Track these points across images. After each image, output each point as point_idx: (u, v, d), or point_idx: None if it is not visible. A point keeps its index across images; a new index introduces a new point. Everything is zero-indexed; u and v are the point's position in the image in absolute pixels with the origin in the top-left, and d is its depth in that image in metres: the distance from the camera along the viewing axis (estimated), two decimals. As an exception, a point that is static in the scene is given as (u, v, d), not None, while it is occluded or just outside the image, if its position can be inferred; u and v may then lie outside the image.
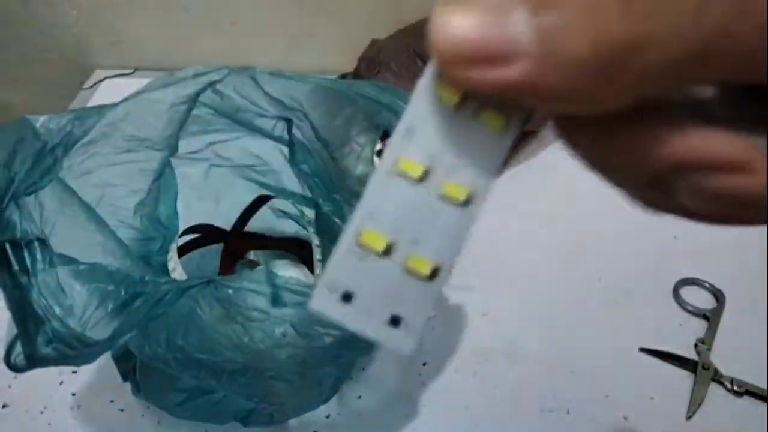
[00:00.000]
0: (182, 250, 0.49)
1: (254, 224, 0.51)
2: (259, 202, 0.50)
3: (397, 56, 0.59)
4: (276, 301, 0.34)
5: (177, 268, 0.44)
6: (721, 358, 0.44)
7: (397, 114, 0.38)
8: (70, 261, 0.34)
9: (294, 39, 0.73)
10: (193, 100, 0.38)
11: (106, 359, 0.40)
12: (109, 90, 0.70)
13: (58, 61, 0.74)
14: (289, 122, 0.42)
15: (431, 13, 0.13)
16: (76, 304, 0.33)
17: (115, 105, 0.37)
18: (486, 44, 0.12)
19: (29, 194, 0.31)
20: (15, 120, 0.34)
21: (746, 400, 0.43)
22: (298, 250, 0.51)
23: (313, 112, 0.41)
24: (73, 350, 0.29)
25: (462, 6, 0.12)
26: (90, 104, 0.68)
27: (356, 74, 0.62)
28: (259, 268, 0.48)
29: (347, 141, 0.42)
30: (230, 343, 0.34)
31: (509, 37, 0.11)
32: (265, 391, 0.37)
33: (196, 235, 0.50)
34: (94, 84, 0.72)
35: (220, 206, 0.50)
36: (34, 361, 0.30)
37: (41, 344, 0.29)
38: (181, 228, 0.47)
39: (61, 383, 0.44)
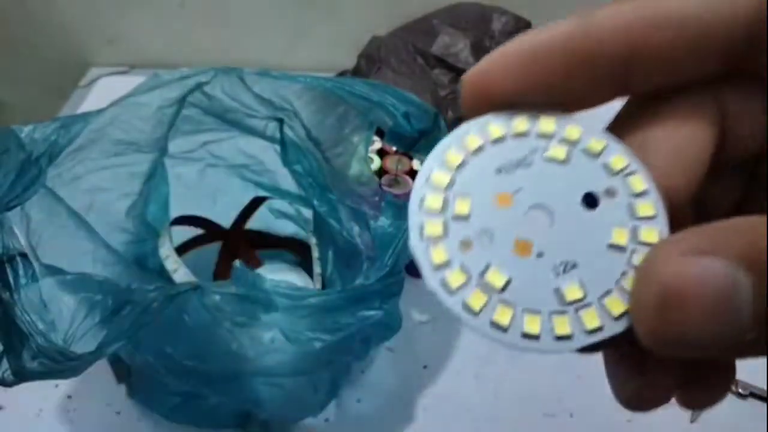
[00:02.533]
0: (180, 250, 0.49)
1: (252, 225, 0.51)
2: (257, 202, 0.50)
3: (397, 53, 0.58)
4: (265, 306, 0.33)
5: (180, 269, 0.44)
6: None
7: (388, 111, 0.37)
8: (57, 271, 0.34)
9: (293, 35, 0.72)
10: (181, 102, 0.38)
11: (101, 362, 0.40)
12: (105, 88, 0.70)
13: (54, 60, 0.74)
14: (280, 122, 0.41)
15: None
16: (64, 315, 0.32)
17: (102, 111, 0.36)
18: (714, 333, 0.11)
19: (12, 208, 0.31)
20: (9, 118, 0.33)
21: (750, 403, 0.41)
22: (297, 249, 0.51)
23: (303, 111, 0.40)
24: (59, 364, 0.29)
25: (697, 268, 0.11)
26: (86, 103, 0.68)
27: (356, 71, 0.61)
28: (250, 270, 0.47)
29: (340, 140, 0.41)
30: (218, 349, 0.33)
31: (736, 321, 0.11)
32: (257, 397, 0.36)
33: (191, 229, 0.50)
34: (90, 82, 0.71)
35: (216, 206, 0.50)
36: (21, 375, 0.30)
37: (27, 359, 0.29)
38: (172, 217, 0.46)
39: (57, 386, 0.43)
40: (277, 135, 0.43)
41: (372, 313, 0.33)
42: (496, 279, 0.13)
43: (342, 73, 0.65)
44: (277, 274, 0.46)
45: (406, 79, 0.56)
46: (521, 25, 0.58)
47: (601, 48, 0.13)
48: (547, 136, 0.14)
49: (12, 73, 0.74)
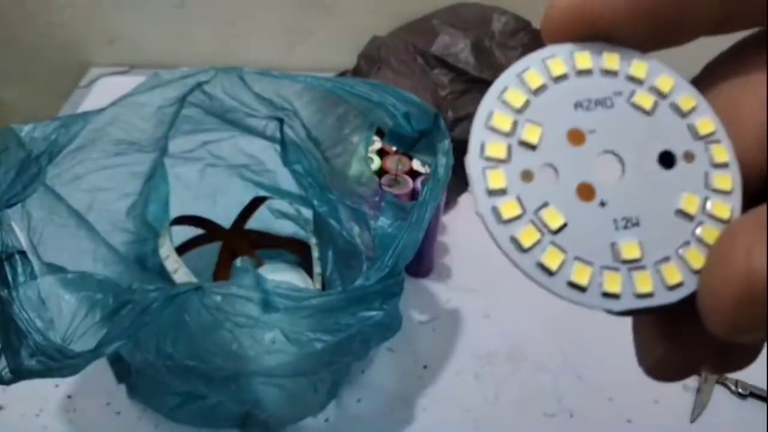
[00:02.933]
0: (180, 250, 0.49)
1: (252, 225, 0.51)
2: (257, 202, 0.50)
3: (397, 53, 0.58)
4: (266, 306, 0.33)
5: (180, 269, 0.44)
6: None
7: (388, 111, 0.37)
8: (58, 270, 0.34)
9: (293, 36, 0.72)
10: (181, 101, 0.38)
11: (101, 361, 0.40)
12: (105, 88, 0.70)
13: (54, 60, 0.73)
14: (280, 122, 0.41)
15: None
16: (64, 313, 0.32)
17: (102, 110, 0.36)
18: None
19: (11, 206, 0.31)
20: (9, 117, 0.33)
21: (750, 403, 0.41)
22: (297, 249, 0.51)
23: (303, 111, 0.40)
24: (57, 362, 0.29)
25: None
26: (85, 103, 0.68)
27: (356, 71, 0.61)
28: (251, 271, 0.47)
29: (340, 140, 0.41)
30: (219, 349, 0.33)
31: None
32: (257, 398, 0.36)
33: (191, 229, 0.50)
34: (90, 82, 0.71)
35: (216, 206, 0.50)
36: (19, 373, 0.30)
37: (25, 357, 0.29)
38: (172, 216, 0.46)
39: (57, 386, 0.43)
40: (277, 135, 0.43)
41: (373, 313, 0.33)
42: (553, 219, 0.12)
43: (342, 73, 0.65)
44: (277, 274, 0.46)
45: (406, 79, 0.56)
46: (521, 25, 0.58)
47: None
48: (636, 81, 0.13)
49: (12, 73, 0.74)
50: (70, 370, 0.30)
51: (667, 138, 0.13)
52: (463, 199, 0.57)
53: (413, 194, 0.49)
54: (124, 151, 0.40)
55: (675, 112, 0.13)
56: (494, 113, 0.12)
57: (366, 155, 0.41)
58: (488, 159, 0.12)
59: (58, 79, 0.73)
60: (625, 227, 0.12)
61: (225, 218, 0.50)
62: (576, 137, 0.13)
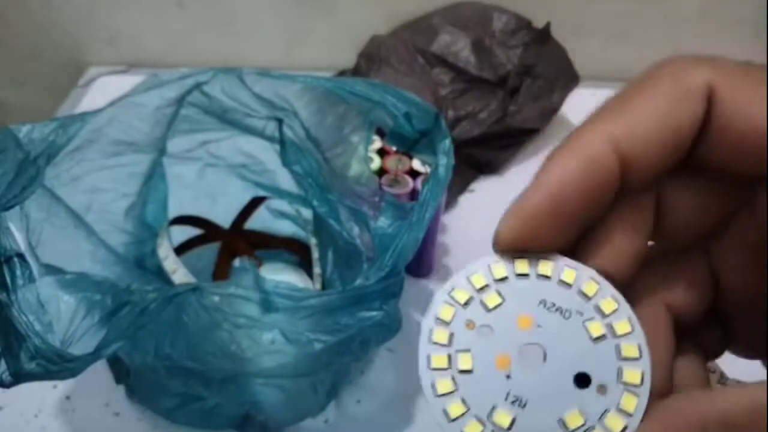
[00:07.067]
0: (179, 250, 0.48)
1: (251, 225, 0.51)
2: (256, 202, 0.50)
3: (398, 52, 0.58)
4: (265, 306, 0.33)
5: (179, 269, 0.44)
6: (726, 360, 0.43)
7: (389, 111, 0.37)
8: (56, 271, 0.34)
9: (292, 35, 0.71)
10: (180, 102, 0.38)
11: (100, 362, 0.40)
12: (104, 88, 0.69)
13: (52, 59, 0.73)
14: (279, 122, 0.41)
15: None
16: (62, 316, 0.32)
17: (100, 111, 0.36)
18: None
19: (10, 208, 0.31)
20: (7, 117, 0.33)
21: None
22: (297, 250, 0.50)
23: (303, 111, 0.40)
24: (56, 365, 0.29)
25: None
26: (84, 102, 0.68)
27: (356, 71, 0.61)
28: (250, 270, 0.47)
29: (339, 140, 0.41)
30: (217, 350, 0.33)
31: None
32: (256, 399, 0.36)
33: (190, 229, 0.50)
34: (89, 82, 0.71)
35: (215, 206, 0.50)
36: (19, 377, 0.29)
37: (25, 360, 0.29)
38: (171, 217, 0.46)
39: (55, 386, 0.43)
40: (277, 135, 0.43)
41: (372, 314, 0.33)
42: (465, 362, 0.15)
43: (342, 73, 0.65)
44: (277, 275, 0.46)
45: (406, 78, 0.56)
46: (522, 24, 0.58)
47: (604, 182, 0.15)
48: (600, 311, 0.15)
49: (10, 72, 0.74)
50: (70, 373, 0.30)
51: (594, 366, 0.15)
52: (464, 199, 0.57)
53: (413, 194, 0.49)
54: (122, 151, 0.39)
55: (615, 352, 0.15)
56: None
57: (366, 155, 0.41)
58: (451, 297, 0.16)
59: (56, 78, 0.72)
60: (512, 403, 0.15)
61: (224, 218, 0.50)
62: (525, 322, 0.15)
